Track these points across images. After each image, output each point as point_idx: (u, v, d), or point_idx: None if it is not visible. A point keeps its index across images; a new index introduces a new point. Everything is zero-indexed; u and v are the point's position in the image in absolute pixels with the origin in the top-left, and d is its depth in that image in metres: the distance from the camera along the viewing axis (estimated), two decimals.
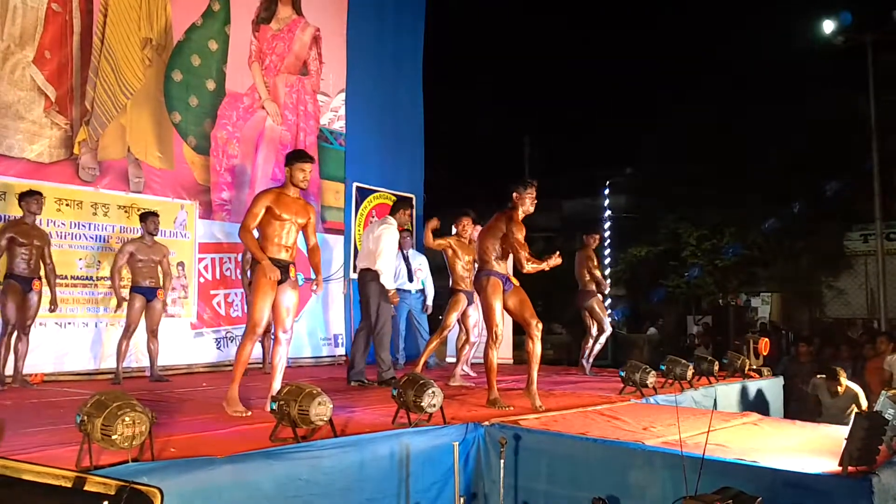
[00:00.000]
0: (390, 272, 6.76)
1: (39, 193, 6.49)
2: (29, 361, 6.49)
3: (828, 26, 14.75)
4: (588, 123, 21.12)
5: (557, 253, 5.51)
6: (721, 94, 16.29)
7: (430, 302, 8.64)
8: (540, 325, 5.49)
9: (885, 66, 14.68)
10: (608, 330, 8.35)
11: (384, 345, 6.72)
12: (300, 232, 5.10)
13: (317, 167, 9.83)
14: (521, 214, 5.53)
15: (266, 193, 5.01)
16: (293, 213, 4.99)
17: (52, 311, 6.66)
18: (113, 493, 1.04)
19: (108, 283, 7.47)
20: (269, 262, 4.82)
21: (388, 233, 6.78)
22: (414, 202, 11.03)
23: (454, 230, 7.11)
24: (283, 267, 4.92)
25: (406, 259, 8.33)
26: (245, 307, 8.24)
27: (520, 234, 5.45)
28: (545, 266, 5.43)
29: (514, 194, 5.52)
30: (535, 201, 5.57)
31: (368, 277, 6.71)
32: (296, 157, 5.13)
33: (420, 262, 8.56)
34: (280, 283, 4.88)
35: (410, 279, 8.31)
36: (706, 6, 19.22)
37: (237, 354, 5.01)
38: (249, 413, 4.73)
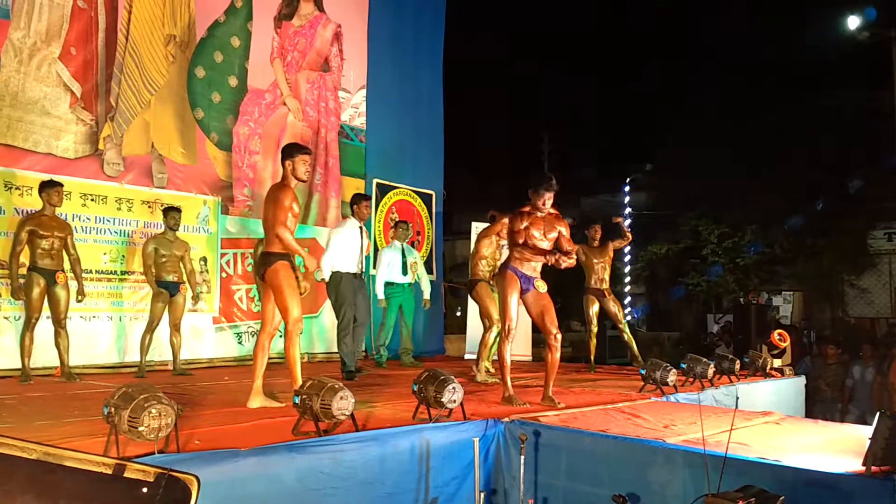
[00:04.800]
0: (327, 264, 6.96)
1: (60, 184, 6.44)
2: (53, 354, 6.55)
3: (853, 22, 14.57)
4: (608, 120, 21.03)
5: (567, 258, 5.43)
6: (743, 89, 16.15)
7: (427, 296, 8.46)
8: (559, 336, 5.47)
9: None
10: (593, 329, 8.44)
11: (342, 339, 6.97)
12: None
13: (337, 163, 9.89)
14: (527, 208, 5.50)
15: (288, 189, 4.95)
16: (299, 206, 5.07)
17: (79, 301, 6.64)
18: (152, 479, 1.07)
19: (133, 277, 7.61)
20: (307, 254, 5.00)
21: (333, 232, 7.26)
22: (434, 198, 11.07)
23: (473, 225, 7.22)
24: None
25: (402, 253, 8.26)
26: None
27: (517, 225, 5.46)
28: (543, 259, 5.41)
29: (530, 191, 5.49)
30: (550, 203, 5.52)
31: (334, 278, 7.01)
32: (298, 149, 5.06)
33: (416, 256, 8.47)
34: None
35: (404, 273, 8.20)
36: (729, 2, 19.07)
37: (290, 356, 4.91)
38: (281, 404, 4.79)
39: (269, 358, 7.55)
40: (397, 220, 9.38)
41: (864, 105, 15.10)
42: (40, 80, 7.18)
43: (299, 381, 4.77)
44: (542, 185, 5.43)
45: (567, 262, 5.40)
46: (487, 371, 7.11)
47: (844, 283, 16.89)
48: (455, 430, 4.37)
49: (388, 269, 8.15)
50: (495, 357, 7.16)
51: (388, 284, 8.17)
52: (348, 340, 6.94)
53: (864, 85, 15.20)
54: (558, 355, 5.52)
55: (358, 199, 7.36)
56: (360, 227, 7.12)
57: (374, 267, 8.47)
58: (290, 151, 5.03)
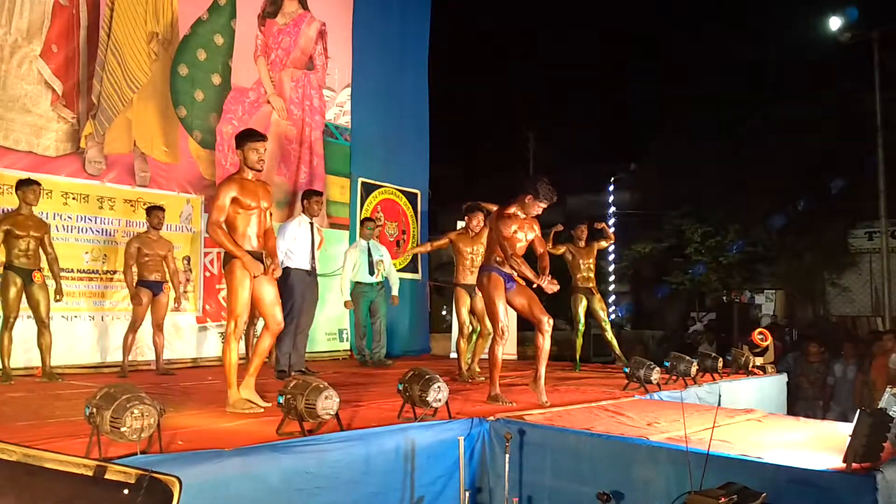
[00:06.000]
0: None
1: (37, 183, 6.36)
2: (34, 354, 6.50)
3: (834, 23, 14.71)
4: (593, 120, 21.11)
5: (555, 282, 5.34)
6: (726, 90, 16.27)
7: (395, 293, 8.38)
8: (550, 322, 5.42)
9: (891, 63, 14.63)
10: (580, 328, 8.40)
11: (283, 336, 6.45)
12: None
13: (322, 162, 9.86)
14: (514, 209, 5.44)
15: (228, 183, 4.69)
16: (258, 199, 4.73)
17: (57, 300, 6.52)
18: (133, 481, 1.06)
19: (114, 276, 7.55)
20: (250, 258, 4.62)
21: (280, 228, 6.90)
22: (419, 197, 11.07)
23: (459, 224, 7.19)
24: (258, 258, 4.73)
25: (368, 251, 8.16)
26: None
27: (505, 231, 5.38)
28: (531, 277, 5.31)
29: (529, 196, 5.39)
30: (537, 211, 5.48)
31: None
32: (247, 136, 4.78)
33: (382, 254, 8.35)
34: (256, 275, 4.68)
35: (371, 272, 8.11)
36: (712, 3, 19.19)
37: (225, 358, 4.68)
38: (266, 405, 4.64)
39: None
40: (362, 218, 9.28)
41: (846, 105, 15.25)
42: (21, 78, 7.10)
43: (233, 386, 4.65)
44: (545, 194, 5.37)
45: (554, 288, 5.35)
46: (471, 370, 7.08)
47: (826, 282, 17.08)
48: (440, 429, 4.37)
49: (354, 269, 8.08)
50: (483, 356, 7.17)
51: (357, 284, 8.10)
52: (288, 340, 6.71)
53: (846, 85, 15.36)
54: (550, 341, 5.48)
55: (309, 194, 7.18)
56: (311, 223, 6.99)
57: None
58: (241, 139, 4.79)
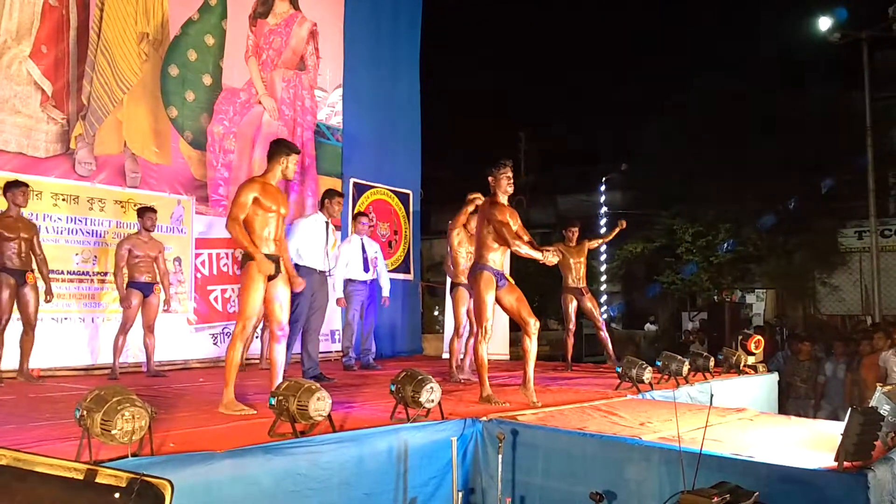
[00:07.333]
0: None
1: (26, 185, 6.34)
2: None
3: (824, 23, 14.77)
4: (584, 120, 21.17)
5: (556, 252, 5.48)
6: (717, 90, 16.31)
7: (386, 293, 8.14)
8: (537, 324, 5.46)
9: (880, 63, 14.72)
10: (571, 328, 8.42)
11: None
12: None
13: (314, 162, 9.84)
14: (501, 197, 5.53)
15: (252, 183, 4.77)
16: (278, 203, 4.81)
17: (47, 301, 6.49)
18: (124, 485, 1.05)
19: (105, 278, 7.51)
20: (263, 256, 4.65)
21: (295, 224, 6.86)
22: (411, 197, 11.06)
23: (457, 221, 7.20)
24: (274, 261, 4.76)
25: (362, 247, 7.95)
26: None
27: (500, 216, 5.42)
28: (539, 256, 5.36)
29: (490, 178, 5.55)
30: (512, 180, 5.58)
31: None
32: (291, 147, 4.96)
33: (376, 251, 8.15)
34: (271, 278, 4.71)
35: (366, 269, 7.90)
36: (704, 3, 19.27)
37: (228, 357, 4.72)
38: (254, 411, 4.61)
39: (247, 360, 7.48)
40: (356, 212, 8.91)
41: (836, 105, 15.32)
42: (10, 79, 7.06)
43: (230, 386, 4.65)
44: (493, 165, 5.52)
45: (556, 260, 5.43)
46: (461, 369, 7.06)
47: (816, 281, 17.13)
48: (433, 429, 4.37)
49: (347, 266, 7.88)
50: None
51: (349, 282, 7.91)
52: (294, 339, 6.61)
53: (836, 85, 15.43)
54: (536, 343, 5.50)
55: (331, 194, 7.04)
56: (327, 223, 6.88)
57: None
58: (286, 149, 4.92)
